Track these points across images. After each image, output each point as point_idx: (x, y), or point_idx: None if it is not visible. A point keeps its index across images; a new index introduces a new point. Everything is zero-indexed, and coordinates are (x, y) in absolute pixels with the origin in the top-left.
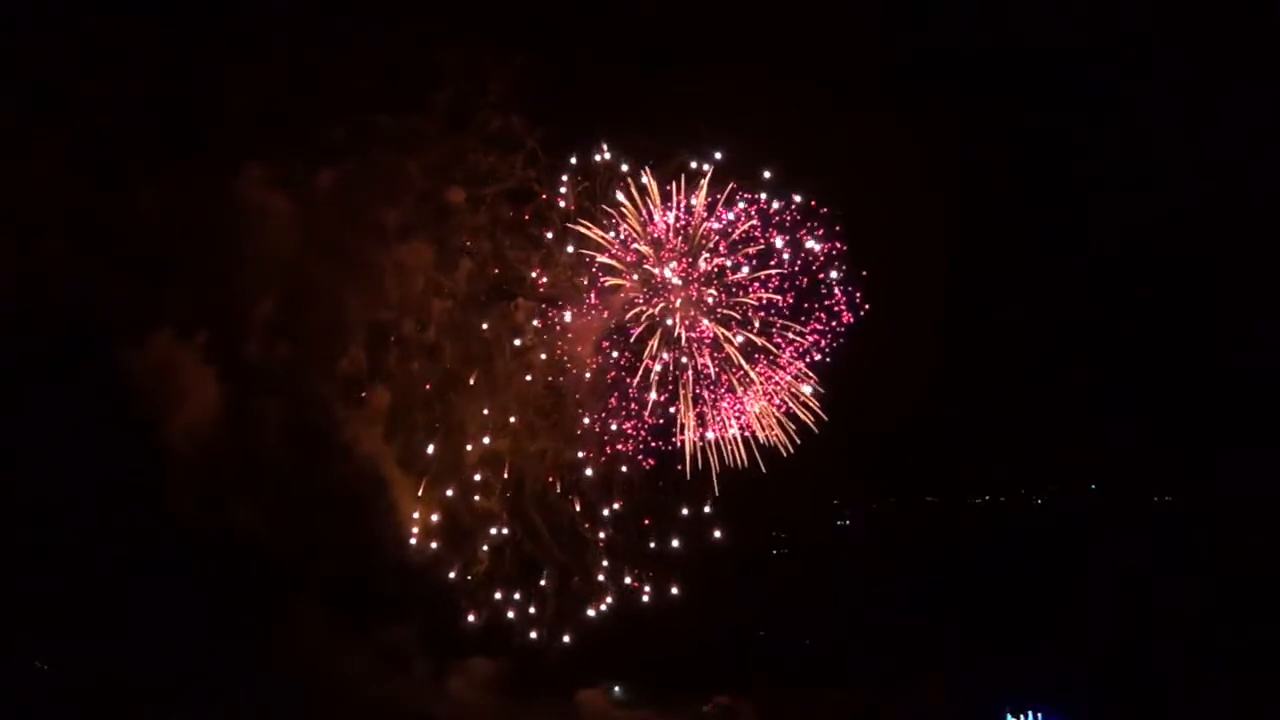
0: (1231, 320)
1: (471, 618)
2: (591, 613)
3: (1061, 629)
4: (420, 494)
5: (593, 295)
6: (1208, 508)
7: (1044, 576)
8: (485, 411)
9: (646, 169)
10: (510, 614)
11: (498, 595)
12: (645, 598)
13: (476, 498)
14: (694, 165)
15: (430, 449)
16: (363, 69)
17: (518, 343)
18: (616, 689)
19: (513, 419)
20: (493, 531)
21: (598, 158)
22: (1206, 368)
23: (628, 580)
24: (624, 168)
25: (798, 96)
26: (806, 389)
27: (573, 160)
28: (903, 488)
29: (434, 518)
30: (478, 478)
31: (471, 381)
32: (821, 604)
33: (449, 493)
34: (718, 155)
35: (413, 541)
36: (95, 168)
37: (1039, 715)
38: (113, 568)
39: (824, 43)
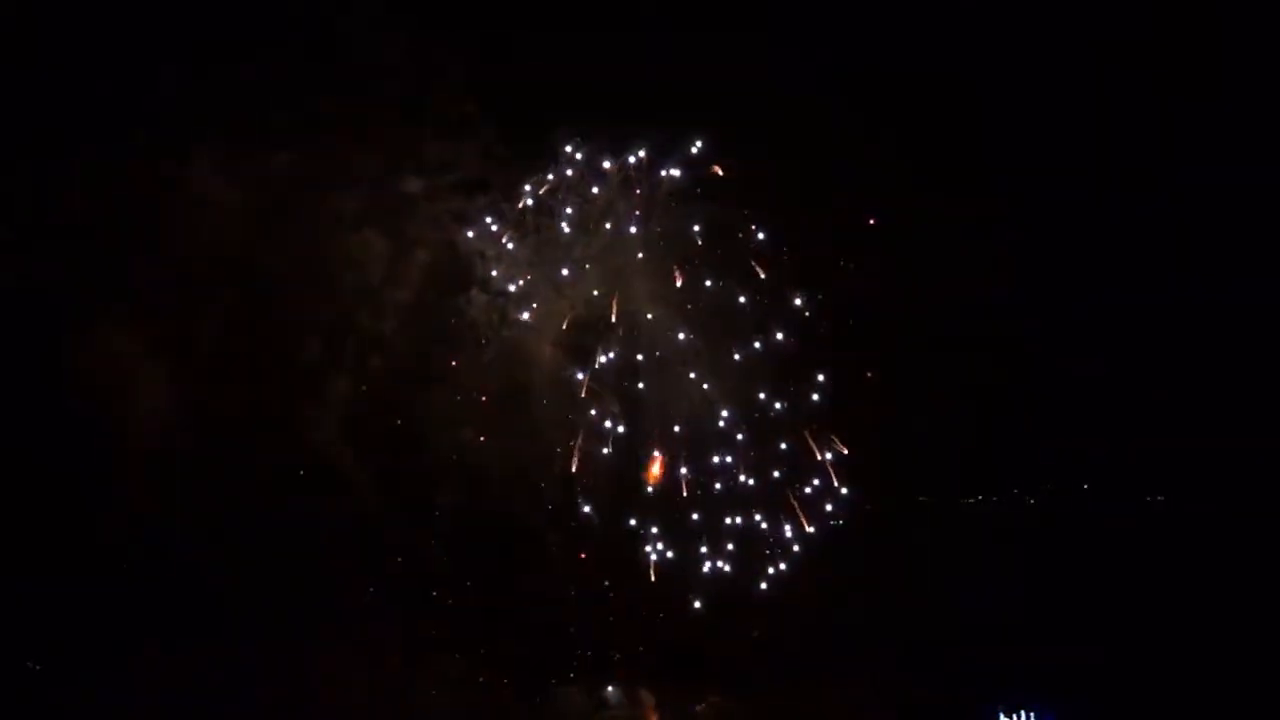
0: (1228, 316)
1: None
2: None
3: (1055, 628)
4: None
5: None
6: (1203, 507)
7: (1038, 575)
8: (446, 408)
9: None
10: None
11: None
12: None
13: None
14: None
15: (392, 445)
16: (314, 54)
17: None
18: (610, 689)
19: (474, 417)
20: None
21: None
22: (1201, 366)
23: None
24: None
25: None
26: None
27: (532, 151)
28: (896, 488)
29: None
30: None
31: (430, 375)
32: (814, 604)
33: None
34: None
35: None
36: (40, 157)
37: (1032, 714)
38: (72, 564)
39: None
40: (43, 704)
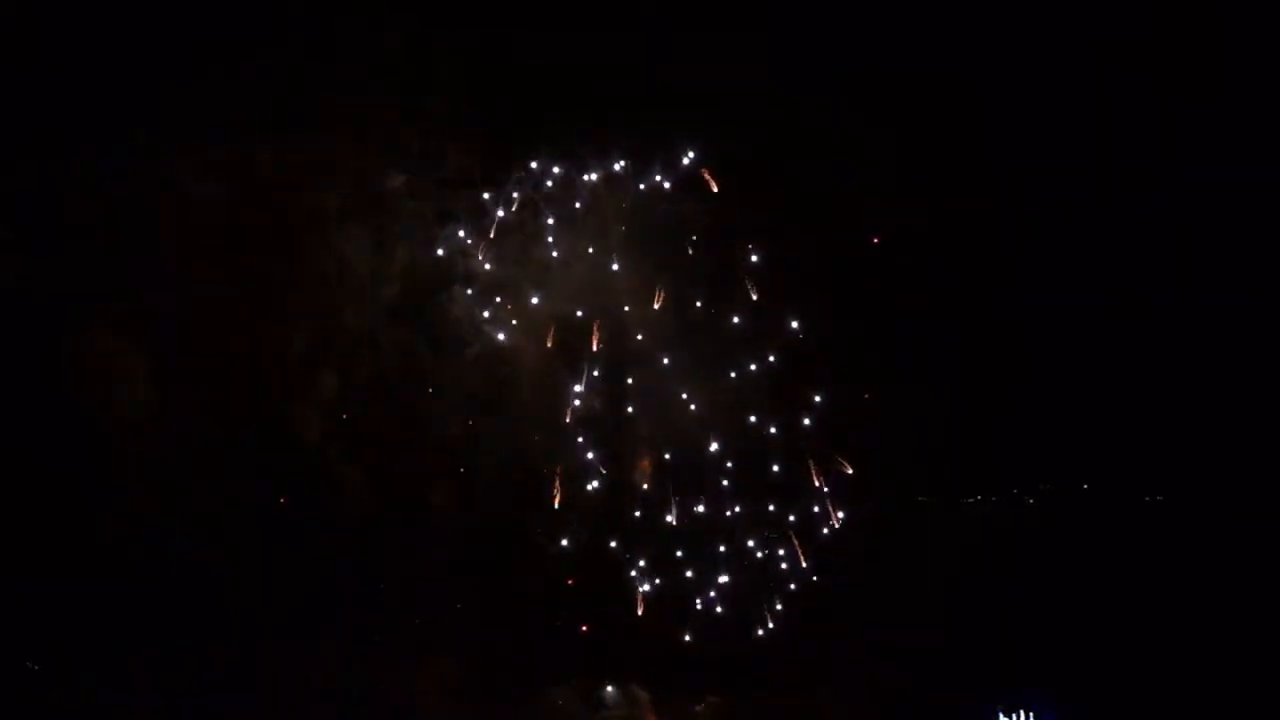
0: (1228, 316)
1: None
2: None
3: (1054, 628)
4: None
5: None
6: (1203, 507)
7: (1038, 575)
8: (434, 403)
9: None
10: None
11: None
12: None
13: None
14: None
15: (385, 445)
16: (314, 54)
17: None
18: (608, 689)
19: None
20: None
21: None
22: (1201, 366)
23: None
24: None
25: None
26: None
27: (521, 151)
28: (896, 488)
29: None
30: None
31: (416, 372)
32: (812, 605)
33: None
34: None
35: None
36: (40, 157)
37: (1031, 715)
38: (71, 564)
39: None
40: (43, 704)
